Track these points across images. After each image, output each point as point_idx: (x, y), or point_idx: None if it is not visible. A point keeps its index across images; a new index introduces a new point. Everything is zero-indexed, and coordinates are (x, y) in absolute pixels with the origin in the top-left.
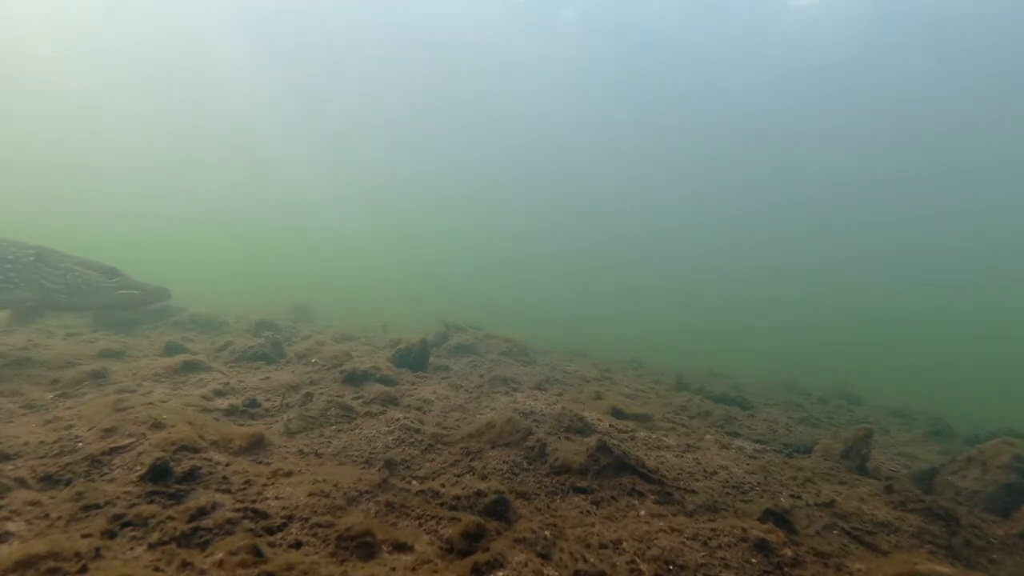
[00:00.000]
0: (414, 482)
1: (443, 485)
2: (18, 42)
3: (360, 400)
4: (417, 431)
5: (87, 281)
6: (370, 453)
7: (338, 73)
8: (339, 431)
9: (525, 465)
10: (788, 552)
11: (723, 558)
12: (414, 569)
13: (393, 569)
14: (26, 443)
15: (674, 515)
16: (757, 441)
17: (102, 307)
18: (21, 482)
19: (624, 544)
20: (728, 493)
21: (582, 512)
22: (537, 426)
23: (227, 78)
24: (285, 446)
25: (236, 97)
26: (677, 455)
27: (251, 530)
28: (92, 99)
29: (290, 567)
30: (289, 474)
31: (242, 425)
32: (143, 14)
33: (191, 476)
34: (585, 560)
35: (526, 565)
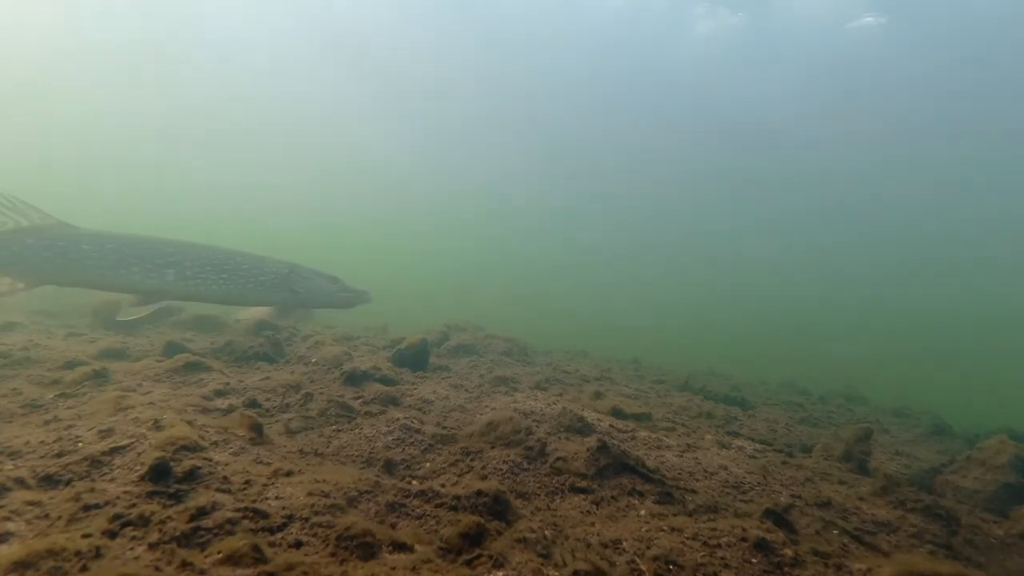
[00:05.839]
0: (414, 482)
1: (443, 485)
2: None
3: (360, 400)
4: (417, 431)
5: (319, 286)
6: (370, 453)
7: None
8: (339, 431)
9: (525, 465)
10: (788, 552)
11: (723, 558)
12: (414, 569)
13: (393, 569)
14: (26, 443)
15: (674, 515)
16: (757, 441)
17: (329, 306)
18: (21, 482)
19: (624, 544)
20: (728, 493)
21: (582, 512)
22: (537, 426)
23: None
24: (285, 446)
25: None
26: (677, 455)
27: (251, 530)
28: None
29: (290, 567)
30: (289, 474)
31: None
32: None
33: (191, 476)
34: (585, 560)
35: (526, 565)
